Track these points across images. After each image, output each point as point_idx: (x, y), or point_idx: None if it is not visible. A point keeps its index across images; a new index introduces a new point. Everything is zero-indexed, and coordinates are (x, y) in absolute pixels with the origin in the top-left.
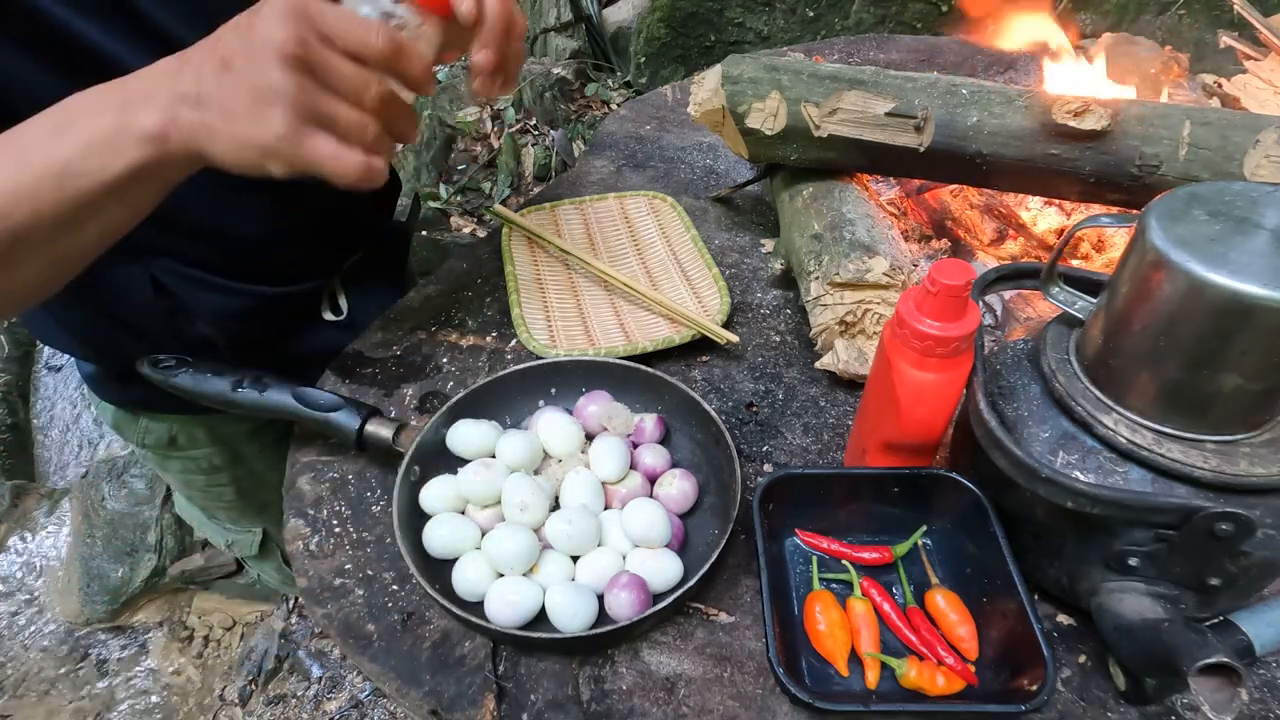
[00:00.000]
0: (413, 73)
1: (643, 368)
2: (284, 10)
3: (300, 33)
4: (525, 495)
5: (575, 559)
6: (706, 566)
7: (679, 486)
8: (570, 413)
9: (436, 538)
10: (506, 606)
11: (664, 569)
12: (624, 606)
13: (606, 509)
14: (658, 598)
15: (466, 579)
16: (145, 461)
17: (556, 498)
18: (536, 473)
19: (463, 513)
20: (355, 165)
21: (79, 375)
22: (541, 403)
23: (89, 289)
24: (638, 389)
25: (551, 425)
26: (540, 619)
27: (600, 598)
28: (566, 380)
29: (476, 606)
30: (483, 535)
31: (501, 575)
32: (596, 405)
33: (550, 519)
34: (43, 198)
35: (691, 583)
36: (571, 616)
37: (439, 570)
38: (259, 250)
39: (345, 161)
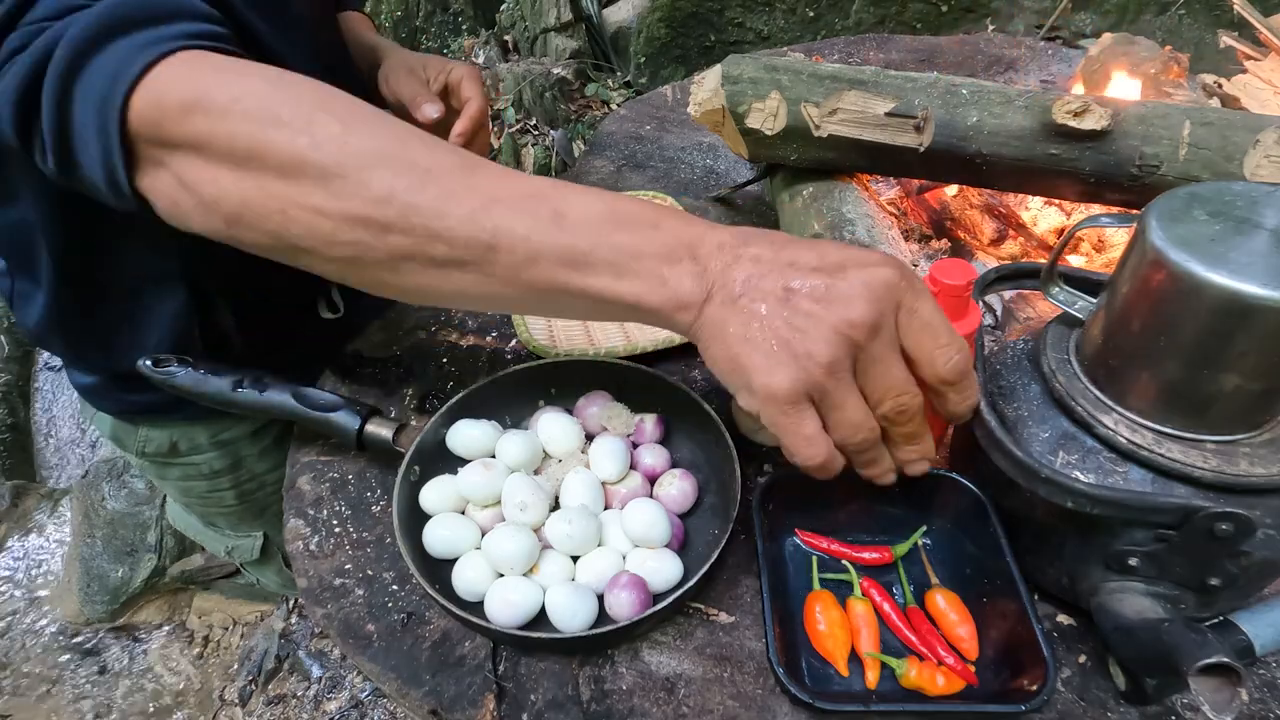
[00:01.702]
0: (959, 410)
1: (643, 368)
2: (878, 283)
3: (878, 319)
4: (525, 495)
5: (575, 559)
6: (706, 566)
7: (679, 486)
8: (570, 413)
9: (436, 538)
10: (506, 606)
11: (664, 569)
12: (624, 606)
13: (606, 509)
14: (658, 598)
15: (466, 579)
16: (143, 472)
17: (556, 498)
18: (536, 473)
19: (463, 513)
20: (820, 458)
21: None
22: (541, 403)
23: (115, 290)
24: (638, 389)
25: (551, 425)
26: (540, 619)
27: (600, 598)
28: (566, 380)
29: (476, 606)
30: (483, 535)
31: (501, 575)
32: (596, 405)
33: (550, 519)
34: (542, 258)
35: (691, 583)
36: (571, 616)
37: (439, 570)
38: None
39: (813, 450)
